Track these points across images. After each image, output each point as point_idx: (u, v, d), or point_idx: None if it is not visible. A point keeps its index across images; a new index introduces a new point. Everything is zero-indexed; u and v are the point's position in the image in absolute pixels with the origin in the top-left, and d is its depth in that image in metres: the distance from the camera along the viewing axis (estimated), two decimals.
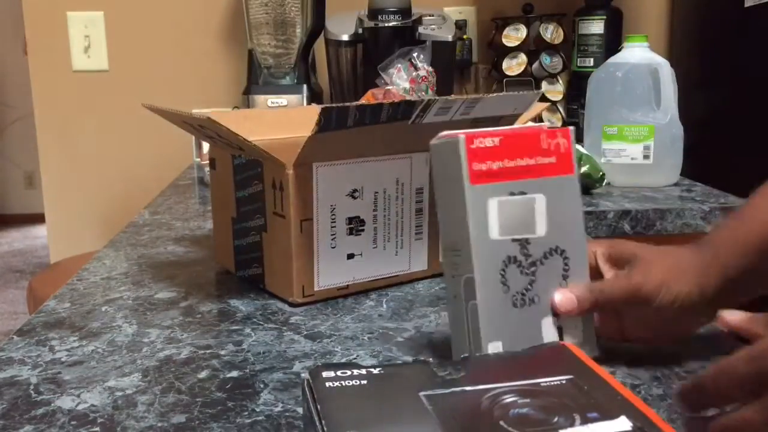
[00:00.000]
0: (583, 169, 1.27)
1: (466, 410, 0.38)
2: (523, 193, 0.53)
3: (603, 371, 0.43)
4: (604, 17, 1.73)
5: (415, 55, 1.46)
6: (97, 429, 0.50)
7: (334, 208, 0.72)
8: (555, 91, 1.79)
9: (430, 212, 0.79)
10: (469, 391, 0.40)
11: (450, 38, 1.62)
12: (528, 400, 0.38)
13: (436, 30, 1.61)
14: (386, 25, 1.56)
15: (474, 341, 0.52)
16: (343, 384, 0.40)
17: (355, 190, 0.73)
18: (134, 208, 1.81)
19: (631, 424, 0.36)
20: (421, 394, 0.39)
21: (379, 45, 1.57)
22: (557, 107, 1.79)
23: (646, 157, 1.34)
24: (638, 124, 1.33)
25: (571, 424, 0.36)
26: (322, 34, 1.67)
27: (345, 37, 1.63)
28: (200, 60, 1.88)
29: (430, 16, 1.63)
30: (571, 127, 0.56)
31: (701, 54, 1.65)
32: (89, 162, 1.90)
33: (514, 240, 0.53)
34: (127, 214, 1.84)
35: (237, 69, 1.88)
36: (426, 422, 0.37)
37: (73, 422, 0.51)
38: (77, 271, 0.86)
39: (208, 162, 1.15)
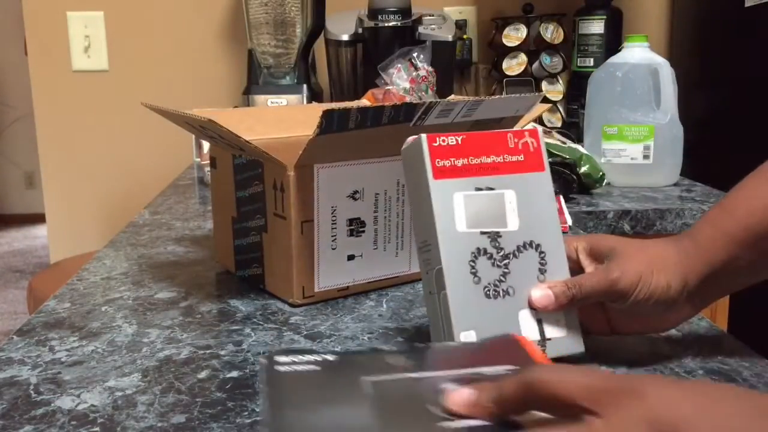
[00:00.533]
0: (583, 169, 1.27)
1: (401, 395, 0.40)
2: (490, 188, 0.55)
3: (548, 363, 0.44)
4: (604, 17, 1.73)
5: (415, 55, 1.46)
6: (97, 429, 0.50)
7: (334, 210, 0.72)
8: (555, 91, 1.79)
9: None
10: (413, 378, 0.41)
11: (450, 38, 1.62)
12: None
13: (436, 30, 1.61)
14: (386, 24, 1.56)
15: (447, 331, 0.53)
16: (296, 369, 0.42)
17: (355, 192, 0.73)
18: (134, 208, 1.81)
19: None
20: (367, 379, 0.41)
21: (379, 45, 1.57)
22: (557, 107, 1.79)
23: (646, 157, 1.34)
24: (638, 124, 1.33)
25: None
26: (322, 34, 1.67)
27: (345, 37, 1.63)
28: (200, 60, 1.88)
29: (430, 16, 1.63)
30: (540, 127, 0.58)
31: (701, 54, 1.65)
32: (89, 162, 1.90)
33: (483, 233, 0.54)
34: (127, 214, 1.84)
35: (237, 69, 1.88)
36: (359, 405, 0.38)
37: (73, 422, 0.51)
38: (77, 271, 0.86)
39: (208, 162, 1.15)
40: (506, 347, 0.46)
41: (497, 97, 0.73)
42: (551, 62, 1.78)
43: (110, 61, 1.87)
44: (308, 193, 0.70)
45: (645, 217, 1.20)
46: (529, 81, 1.78)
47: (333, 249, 0.73)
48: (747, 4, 1.42)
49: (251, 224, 0.77)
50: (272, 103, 1.61)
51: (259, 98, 1.63)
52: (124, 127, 1.89)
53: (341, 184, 0.72)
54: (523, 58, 1.77)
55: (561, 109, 1.80)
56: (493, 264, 0.54)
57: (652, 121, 1.33)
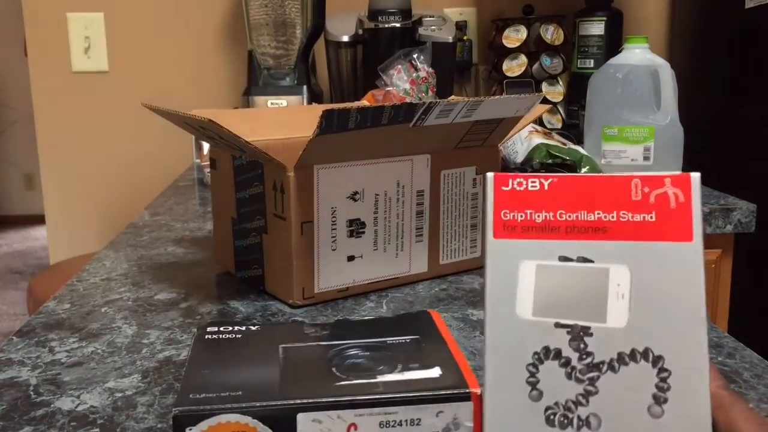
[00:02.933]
0: (584, 170, 1.27)
1: (309, 359, 0.43)
2: (586, 259, 0.36)
3: (450, 336, 0.45)
4: (605, 18, 1.73)
5: (415, 56, 1.46)
6: (97, 430, 0.50)
7: (334, 210, 0.72)
8: (555, 92, 1.79)
9: (430, 214, 0.79)
10: (323, 345, 0.44)
11: (450, 39, 1.62)
12: (367, 354, 0.43)
13: (436, 31, 1.61)
14: (386, 26, 1.56)
15: None
16: (220, 336, 0.46)
17: (355, 193, 0.73)
18: (134, 210, 1.81)
19: (439, 373, 0.40)
20: (280, 346, 0.44)
21: (379, 46, 1.57)
22: (557, 108, 1.79)
23: (646, 158, 1.34)
24: (638, 125, 1.33)
25: (390, 372, 0.40)
26: (322, 35, 1.67)
27: (345, 38, 1.63)
28: (200, 60, 1.88)
29: (430, 17, 1.64)
30: (695, 174, 0.37)
31: (701, 55, 1.65)
32: (89, 163, 1.90)
33: (560, 325, 0.36)
34: (127, 215, 1.84)
35: (237, 70, 1.88)
36: (268, 366, 0.41)
37: (72, 423, 0.51)
38: (77, 272, 0.86)
39: (208, 163, 1.15)
40: (416, 320, 0.48)
41: (497, 97, 0.73)
42: (551, 63, 1.78)
43: (110, 62, 1.87)
44: (308, 193, 0.70)
45: None
46: (530, 82, 1.78)
47: (333, 250, 0.73)
48: (747, 6, 1.42)
49: (251, 225, 0.77)
50: (272, 104, 1.61)
51: (259, 99, 1.63)
52: (124, 128, 1.89)
53: (341, 184, 0.72)
54: (523, 59, 1.77)
55: (561, 110, 1.80)
56: (569, 375, 0.36)
57: (652, 122, 1.33)
